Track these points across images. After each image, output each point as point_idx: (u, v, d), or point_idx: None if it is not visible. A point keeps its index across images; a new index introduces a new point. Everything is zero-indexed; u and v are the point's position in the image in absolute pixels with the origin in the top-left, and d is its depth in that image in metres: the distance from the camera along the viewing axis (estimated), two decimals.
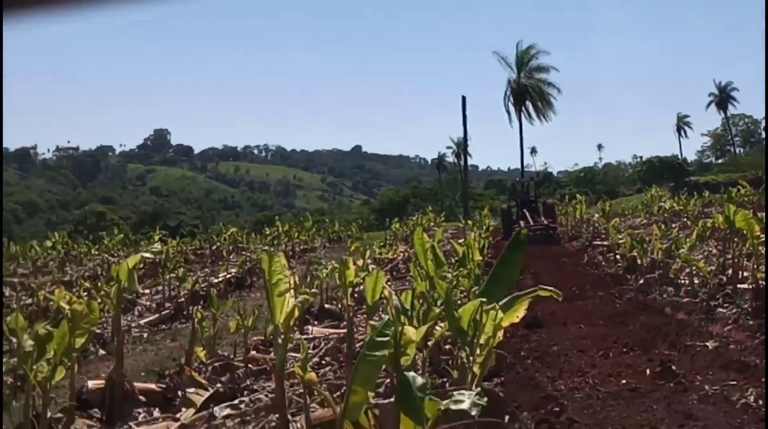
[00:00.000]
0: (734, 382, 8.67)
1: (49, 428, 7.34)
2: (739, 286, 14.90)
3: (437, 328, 7.24)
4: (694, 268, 16.85)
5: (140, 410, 8.97)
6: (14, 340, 7.13)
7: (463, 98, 71.33)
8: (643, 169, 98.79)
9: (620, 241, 26.63)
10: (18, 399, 6.83)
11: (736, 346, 11.00)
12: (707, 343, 11.15)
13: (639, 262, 21.75)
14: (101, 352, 13.97)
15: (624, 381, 9.19)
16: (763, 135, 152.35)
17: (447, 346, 8.76)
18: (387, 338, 5.16)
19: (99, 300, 11.53)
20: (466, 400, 5.13)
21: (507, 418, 6.64)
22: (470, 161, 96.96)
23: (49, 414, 7.47)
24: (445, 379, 7.09)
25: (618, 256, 24.82)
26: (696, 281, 16.53)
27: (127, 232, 52.69)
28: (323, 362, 10.87)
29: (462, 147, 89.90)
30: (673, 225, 28.63)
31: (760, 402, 7.73)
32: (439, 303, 6.75)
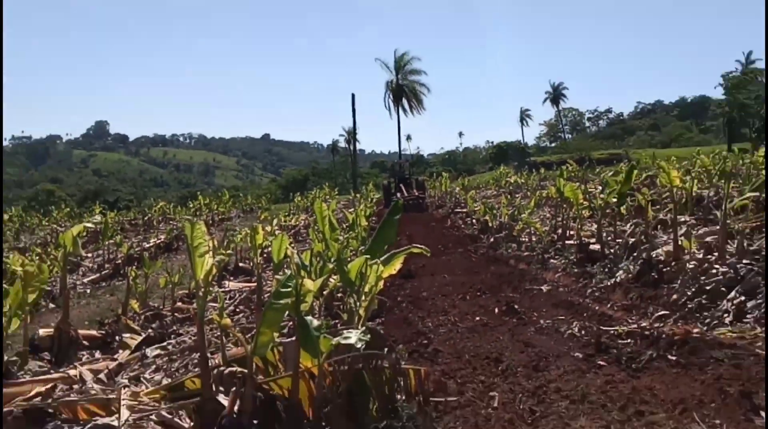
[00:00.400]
0: (562, 317, 8.85)
1: (6, 370, 7.12)
2: (566, 242, 15.22)
3: (331, 280, 7.22)
4: (532, 228, 17.15)
5: (84, 353, 8.81)
6: None
7: (353, 95, 71.71)
8: (494, 152, 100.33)
9: (476, 209, 27.01)
10: None
11: (564, 289, 11.23)
12: (542, 287, 11.36)
13: (490, 224, 22.08)
14: (51, 305, 13.63)
15: (478, 318, 9.30)
16: (587, 124, 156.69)
17: (339, 295, 8.74)
18: (289, 289, 5.12)
19: (48, 262, 11.21)
20: (353, 336, 5.13)
21: (386, 349, 6.66)
22: (358, 146, 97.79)
23: (5, 357, 7.28)
24: (337, 321, 7.06)
25: (474, 220, 25.17)
26: (533, 239, 16.84)
27: (73, 207, 51.45)
28: (237, 310, 10.78)
29: (352, 135, 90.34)
30: (517, 195, 29.10)
31: (583, 332, 7.90)
32: (332, 260, 6.75)
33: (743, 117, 62.20)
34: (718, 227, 11.03)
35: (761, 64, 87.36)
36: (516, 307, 9.68)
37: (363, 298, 6.24)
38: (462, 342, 8.00)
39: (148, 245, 24.44)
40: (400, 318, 9.70)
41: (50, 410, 5.56)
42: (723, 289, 8.61)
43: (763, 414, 5.08)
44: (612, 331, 7.71)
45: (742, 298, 8.21)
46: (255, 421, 5.08)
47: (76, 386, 6.91)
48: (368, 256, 6.29)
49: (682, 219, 13.54)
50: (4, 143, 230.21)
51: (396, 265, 6.39)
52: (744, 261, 9.07)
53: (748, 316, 7.81)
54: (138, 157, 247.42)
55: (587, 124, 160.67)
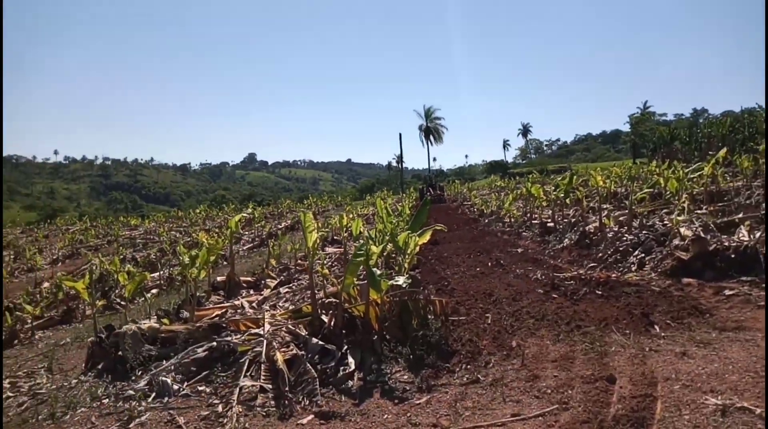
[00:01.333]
0: (530, 268, 8.72)
1: (198, 302, 7.27)
2: (533, 221, 15.00)
3: (388, 246, 7.20)
4: (511, 213, 16.96)
5: (243, 291, 8.95)
6: (181, 257, 7.07)
7: (400, 134, 72.74)
8: (488, 167, 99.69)
9: (476, 202, 26.81)
10: (183, 288, 6.75)
11: (531, 250, 11.06)
12: (518, 250, 11.20)
13: (485, 211, 21.88)
14: (224, 263, 13.85)
15: (478, 269, 9.21)
16: (545, 148, 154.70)
17: (393, 255, 8.72)
18: (362, 251, 5.14)
19: (222, 237, 11.46)
20: (401, 280, 5.13)
21: (421, 288, 6.64)
22: (404, 165, 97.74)
23: (197, 293, 7.43)
24: (391, 271, 7.06)
25: (475, 209, 24.94)
26: (512, 220, 16.64)
27: (236, 205, 52.17)
28: (332, 265, 10.83)
29: (400, 158, 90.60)
30: (501, 194, 28.75)
31: (543, 277, 7.76)
32: (388, 234, 6.75)
33: (642, 142, 60.70)
34: (626, 211, 10.78)
35: (654, 109, 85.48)
36: (502, 262, 9.57)
37: (406, 257, 6.24)
38: (468, 283, 7.94)
39: (280, 227, 24.69)
40: (430, 269, 9.66)
41: (223, 325, 5.67)
42: (630, 249, 8.41)
43: (657, 327, 4.96)
44: (561, 276, 7.57)
45: (642, 255, 8.01)
46: (343, 331, 5.12)
47: (239, 311, 7.05)
48: (410, 231, 6.29)
49: (605, 206, 13.26)
50: (196, 167, 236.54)
51: (426, 237, 6.37)
52: (643, 232, 8.84)
53: (646, 266, 7.62)
54: (274, 174, 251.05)
55: (545, 148, 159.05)
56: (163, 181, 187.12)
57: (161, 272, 12.64)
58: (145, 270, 11.44)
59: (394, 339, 5.08)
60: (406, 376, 4.43)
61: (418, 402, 3.91)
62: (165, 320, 6.33)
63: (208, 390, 4.40)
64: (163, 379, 4.50)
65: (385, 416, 3.74)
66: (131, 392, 4.43)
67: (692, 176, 13.19)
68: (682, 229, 8.21)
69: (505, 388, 3.95)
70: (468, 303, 6.57)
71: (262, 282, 9.41)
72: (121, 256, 15.90)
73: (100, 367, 5.20)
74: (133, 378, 4.80)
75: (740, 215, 9.31)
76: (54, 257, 22.15)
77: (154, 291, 11.33)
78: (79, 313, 10.15)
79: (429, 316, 5.43)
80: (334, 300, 5.74)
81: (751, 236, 7.29)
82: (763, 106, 28.63)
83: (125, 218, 42.36)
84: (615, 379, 3.81)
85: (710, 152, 24.70)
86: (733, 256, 6.55)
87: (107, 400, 4.40)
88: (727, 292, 5.76)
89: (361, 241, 6.63)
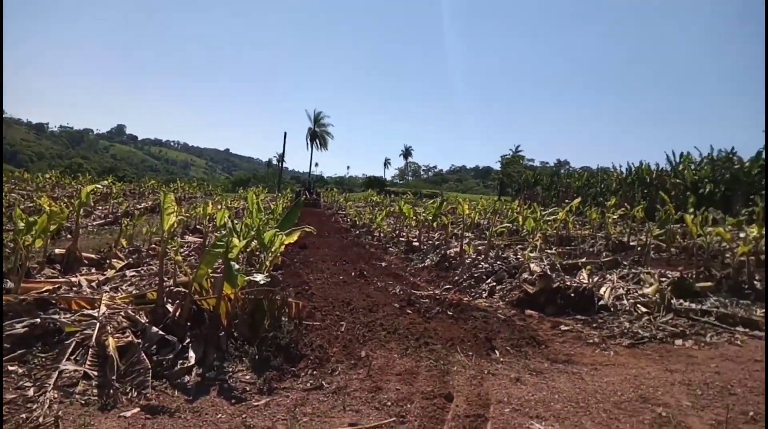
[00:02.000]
0: (391, 282, 8.87)
1: (27, 273, 6.53)
2: (400, 238, 15.40)
3: (253, 242, 6.97)
4: (381, 228, 17.26)
5: (84, 268, 8.18)
6: (16, 221, 6.35)
7: (285, 133, 69.90)
8: (367, 181, 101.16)
9: (350, 212, 27.02)
10: (13, 256, 6.04)
11: (395, 266, 11.30)
12: (382, 263, 11.38)
13: (357, 223, 22.10)
14: (68, 237, 12.62)
15: (341, 277, 9.21)
16: (422, 173, 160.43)
17: (256, 253, 8.45)
18: (223, 242, 4.91)
19: (70, 208, 10.45)
20: (259, 277, 4.96)
21: (280, 288, 6.50)
22: (285, 165, 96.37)
23: (29, 264, 6.69)
24: (251, 269, 6.83)
25: (349, 220, 25.11)
26: (382, 234, 16.94)
27: (93, 176, 48.20)
28: (190, 254, 10.27)
29: (281, 157, 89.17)
30: (375, 208, 29.24)
31: (402, 292, 7.92)
32: (254, 229, 6.52)
33: (509, 181, 64.99)
34: (486, 241, 11.39)
35: (525, 153, 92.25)
36: (365, 273, 9.65)
37: (269, 255, 6.07)
38: (329, 290, 7.90)
39: (139, 206, 23.11)
40: (293, 272, 9.50)
41: (53, 301, 5.13)
42: (484, 276, 8.87)
43: (497, 352, 5.23)
44: (418, 294, 7.78)
45: (494, 283, 8.47)
46: (189, 323, 4.84)
47: (74, 289, 6.43)
48: (278, 229, 6.14)
49: (467, 234, 13.94)
50: (54, 129, 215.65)
51: (294, 237, 6.24)
52: (498, 262, 9.38)
53: (496, 294, 8.06)
54: (142, 151, 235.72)
55: (422, 173, 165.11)
56: (12, 137, 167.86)
57: None
58: None
59: (242, 337, 4.88)
60: (248, 377, 4.26)
61: (256, 404, 3.77)
62: None
63: (20, 371, 3.93)
64: None
65: (219, 416, 3.56)
66: None
67: (548, 219, 14.29)
68: (532, 265, 8.82)
69: (347, 397, 3.93)
70: (325, 309, 6.52)
71: (108, 261, 8.67)
72: None
73: None
74: None
75: (583, 260, 10.22)
76: None
77: None
78: None
79: (283, 318, 5.30)
80: (183, 290, 5.41)
81: (590, 280, 8.01)
82: (618, 166, 31.89)
83: None
84: (452, 397, 3.94)
85: (566, 200, 26.99)
86: (572, 295, 7.13)
87: None
88: (563, 328, 6.25)
89: (224, 232, 6.36)
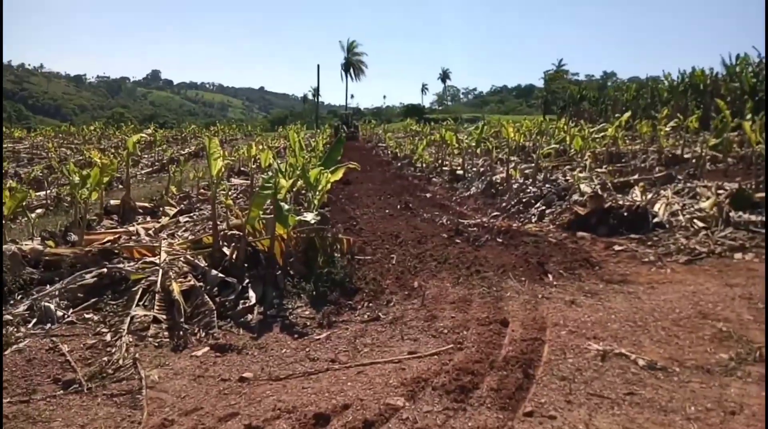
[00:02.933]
0: (437, 213, 8.92)
1: (88, 225, 6.86)
2: (443, 168, 15.31)
3: (298, 181, 7.07)
4: (423, 159, 17.18)
5: (139, 217, 8.53)
6: (70, 176, 6.61)
7: (318, 65, 69.87)
8: (404, 110, 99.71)
9: (390, 144, 26.90)
10: (72, 210, 6.32)
11: (440, 196, 11.32)
12: (427, 194, 11.42)
13: (398, 154, 22.04)
14: (119, 187, 13.07)
15: (387, 211, 9.32)
16: (462, 96, 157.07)
17: (303, 192, 8.59)
18: (270, 184, 5.02)
19: (118, 158, 10.78)
20: (309, 216, 5.07)
21: (329, 226, 6.63)
22: (320, 99, 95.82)
23: (87, 216, 7.01)
24: (300, 207, 6.97)
25: (389, 152, 25.05)
26: (424, 165, 16.88)
27: (136, 125, 49.12)
28: (238, 197, 10.54)
29: (316, 91, 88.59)
30: (415, 138, 28.98)
31: (449, 222, 7.99)
32: (299, 169, 6.60)
33: (553, 99, 62.96)
34: (533, 164, 11.22)
35: (569, 68, 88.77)
36: (410, 205, 9.72)
37: (317, 193, 6.17)
38: (377, 224, 8.02)
39: (183, 152, 23.62)
40: (339, 208, 9.65)
41: (116, 251, 5.40)
42: (533, 201, 8.80)
43: (550, 275, 5.27)
44: (466, 223, 7.82)
45: (544, 207, 8.41)
46: (246, 264, 5.03)
47: (133, 238, 6.72)
48: (322, 167, 6.20)
49: (513, 158, 13.72)
50: (92, 79, 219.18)
51: (338, 175, 6.31)
52: (546, 185, 9.26)
53: (545, 218, 8.02)
54: (179, 96, 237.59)
55: (461, 96, 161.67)
56: (53, 91, 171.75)
57: (48, 191, 11.75)
58: (30, 187, 10.56)
59: (298, 275, 5.06)
60: (308, 312, 4.44)
61: (317, 337, 3.95)
62: (50, 242, 5.92)
63: (96, 318, 4.21)
64: (46, 304, 4.24)
65: (284, 350, 3.75)
66: (9, 317, 4.14)
67: (596, 136, 13.89)
68: (582, 186, 8.68)
69: (404, 326, 4.06)
70: (375, 243, 6.65)
71: (161, 209, 8.99)
72: (3, 171, 14.60)
73: None
74: (12, 302, 4.47)
75: (635, 177, 9.97)
76: None
77: (39, 211, 10.53)
78: None
79: (335, 254, 5.44)
80: (237, 232, 5.59)
81: (643, 197, 7.84)
82: (668, 74, 30.36)
83: (8, 129, 38.80)
84: (508, 322, 4.02)
85: (615, 115, 26.01)
86: (625, 214, 7.02)
87: None
88: (617, 248, 6.19)
89: (270, 174, 6.46)
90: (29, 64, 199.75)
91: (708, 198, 7.61)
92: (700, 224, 6.65)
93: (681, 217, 6.97)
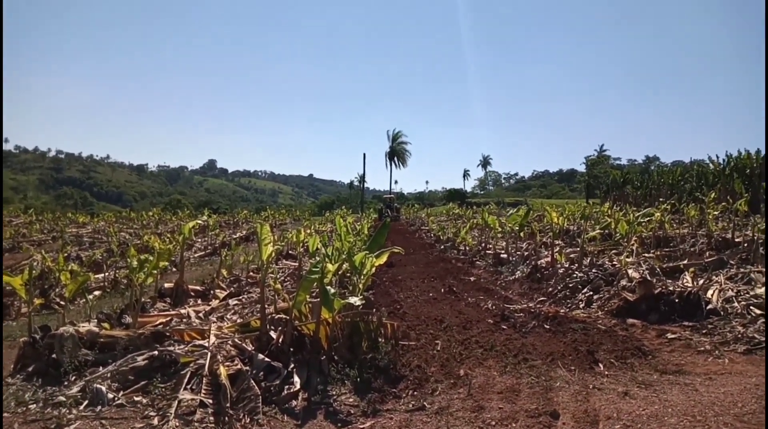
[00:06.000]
0: (482, 297, 8.78)
1: (142, 308, 7.02)
2: (487, 251, 15.18)
3: (344, 266, 7.12)
4: (466, 242, 17.12)
5: (191, 300, 8.68)
6: (129, 260, 6.85)
7: (364, 154, 71.92)
8: (447, 194, 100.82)
9: (433, 228, 27.01)
10: (128, 292, 6.52)
11: (484, 280, 11.16)
12: (471, 278, 11.28)
13: (441, 238, 22.05)
14: (173, 270, 13.44)
15: (431, 294, 9.22)
16: (503, 181, 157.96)
17: (348, 275, 8.62)
18: (318, 268, 5.08)
19: (174, 243, 11.14)
20: (355, 300, 5.06)
21: (374, 310, 6.59)
22: (366, 185, 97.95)
23: (142, 299, 7.18)
24: (345, 291, 6.98)
25: (432, 235, 25.11)
26: (467, 248, 16.79)
27: (192, 211, 51.03)
28: (285, 280, 10.66)
29: (362, 178, 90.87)
30: (458, 222, 29.04)
31: (494, 307, 7.82)
32: (345, 253, 6.68)
33: (596, 183, 62.65)
34: (578, 249, 11.02)
35: (610, 153, 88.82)
36: (454, 289, 9.61)
37: (362, 277, 6.18)
38: (420, 308, 7.93)
39: (235, 236, 24.21)
40: (383, 291, 9.62)
41: (167, 334, 5.48)
42: (579, 286, 8.58)
43: (601, 365, 5.04)
44: (512, 308, 7.64)
45: (591, 292, 8.18)
46: (291, 348, 5.01)
47: (184, 320, 6.83)
48: (367, 252, 6.26)
49: (557, 242, 13.54)
50: (153, 168, 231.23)
51: (383, 259, 6.34)
52: (593, 270, 9.04)
53: (593, 304, 7.78)
54: (233, 183, 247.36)
55: (503, 181, 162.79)
56: (117, 179, 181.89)
57: (106, 274, 12.18)
58: (90, 270, 10.97)
59: (342, 360, 5.00)
60: (351, 399, 4.35)
61: (362, 426, 3.84)
62: (105, 324, 6.08)
63: (144, 401, 4.22)
64: (98, 386, 4.29)
65: None
66: (62, 398, 4.20)
67: (642, 220, 13.62)
68: (629, 271, 8.43)
69: (450, 417, 3.92)
70: (419, 328, 6.55)
71: (211, 292, 9.16)
72: (66, 254, 15.27)
73: (30, 369, 4.91)
74: (66, 384, 4.55)
75: (685, 261, 9.64)
76: None
77: (96, 293, 10.89)
78: (14, 311, 9.64)
79: (380, 339, 5.37)
80: (284, 316, 5.61)
81: (695, 283, 7.54)
82: (712, 158, 29.96)
83: (74, 215, 40.90)
84: (558, 414, 3.83)
85: (660, 199, 25.59)
86: (676, 300, 6.75)
87: (35, 405, 4.15)
88: (669, 336, 5.92)
89: (317, 258, 6.55)
90: (97, 155, 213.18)
91: (764, 283, 7.26)
92: (758, 311, 6.31)
93: (736, 304, 6.64)
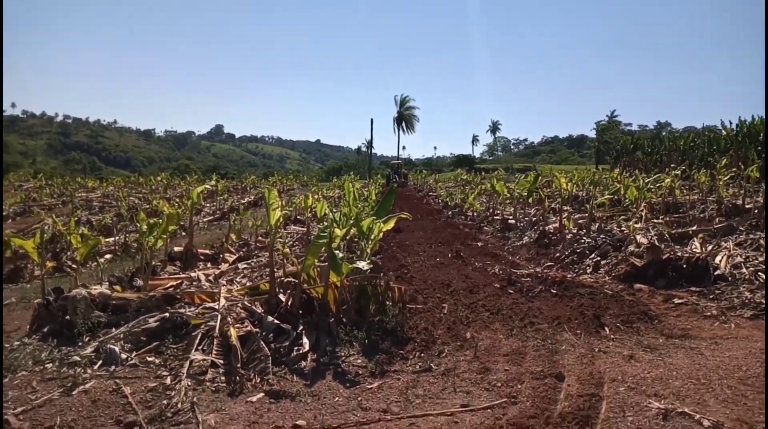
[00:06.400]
0: (489, 262, 8.82)
1: (153, 271, 7.11)
2: (494, 217, 15.16)
3: (352, 231, 7.15)
4: (474, 208, 17.10)
5: (200, 263, 8.78)
6: (138, 224, 6.90)
7: (371, 119, 71.60)
8: (455, 160, 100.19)
9: (441, 193, 26.98)
10: (138, 255, 6.58)
11: (491, 245, 11.18)
12: (478, 243, 11.30)
13: (449, 203, 22.03)
14: (183, 234, 13.54)
15: (438, 259, 9.26)
16: (512, 147, 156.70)
17: (356, 240, 8.66)
18: (326, 233, 5.10)
19: (182, 208, 11.23)
20: (362, 264, 5.09)
21: (381, 274, 6.63)
22: (373, 151, 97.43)
23: (152, 262, 7.27)
24: (353, 255, 7.02)
25: (440, 201, 25.09)
26: (475, 214, 16.78)
27: (200, 175, 51.12)
28: (294, 244, 10.74)
29: (369, 144, 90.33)
30: (466, 188, 28.96)
31: (501, 272, 7.86)
32: (353, 218, 6.70)
33: (606, 149, 62.07)
34: (586, 214, 10.99)
35: (621, 118, 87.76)
36: (461, 254, 9.64)
37: (369, 242, 6.21)
38: (427, 273, 7.98)
39: (243, 201, 24.29)
40: (391, 256, 9.67)
41: (178, 296, 5.55)
42: (587, 252, 8.59)
43: (607, 329, 5.08)
44: (518, 273, 7.68)
45: (598, 258, 8.19)
46: (300, 311, 5.08)
47: (194, 283, 6.92)
48: (375, 217, 6.27)
49: (565, 208, 13.50)
50: (160, 133, 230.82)
51: (391, 224, 6.35)
52: (601, 236, 9.03)
53: (601, 269, 7.79)
54: (240, 148, 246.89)
55: (512, 147, 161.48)
56: (125, 144, 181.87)
57: (117, 238, 12.30)
58: (100, 234, 11.08)
59: (350, 323, 5.06)
60: (360, 360, 4.42)
61: (369, 387, 3.91)
62: (117, 287, 6.17)
63: (157, 361, 4.31)
64: (111, 347, 4.38)
65: (336, 399, 3.73)
66: (77, 358, 4.29)
67: (651, 186, 13.53)
68: (638, 237, 8.42)
69: (456, 378, 3.98)
70: (426, 292, 6.60)
71: (221, 256, 9.25)
72: (76, 218, 15.42)
73: (45, 330, 5.02)
74: (80, 344, 4.65)
75: (694, 228, 9.60)
76: (4, 213, 21.33)
77: (107, 256, 11.02)
78: (27, 273, 9.79)
79: (387, 303, 5.43)
80: (293, 280, 5.67)
81: (703, 249, 7.53)
82: (724, 124, 29.50)
83: (83, 179, 41.06)
84: (564, 376, 3.88)
85: (671, 165, 25.35)
86: (684, 266, 6.75)
87: (51, 364, 4.25)
88: (676, 301, 5.94)
89: (325, 223, 6.58)
90: (104, 120, 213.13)
91: None
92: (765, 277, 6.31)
93: (744, 270, 6.64)
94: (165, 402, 3.59)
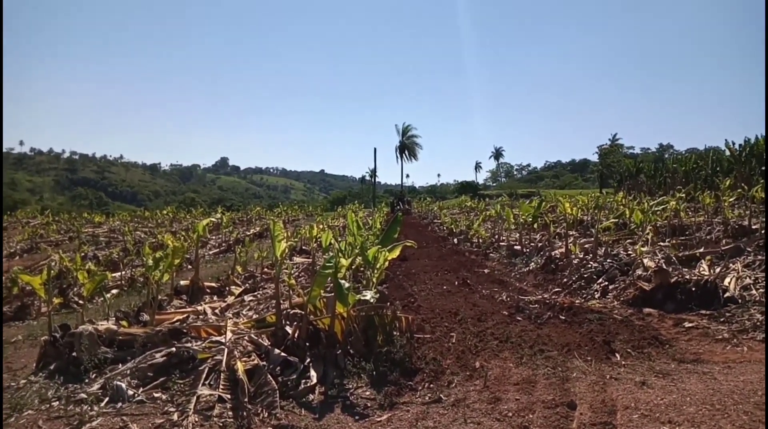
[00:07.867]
0: (496, 289, 8.76)
1: (159, 305, 7.09)
2: (500, 243, 15.13)
3: (357, 260, 7.14)
4: (479, 234, 17.06)
5: (206, 297, 8.77)
6: (144, 259, 6.92)
7: (375, 149, 71.54)
8: (459, 187, 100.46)
9: (446, 221, 26.94)
10: (145, 290, 6.58)
11: (498, 272, 11.13)
12: (484, 270, 11.25)
13: (454, 230, 22.00)
14: (189, 267, 13.53)
15: (445, 287, 9.21)
16: (515, 173, 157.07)
17: (361, 269, 8.64)
18: (331, 263, 5.09)
19: (188, 241, 11.25)
20: (368, 294, 5.08)
21: (388, 303, 6.60)
22: (377, 179, 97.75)
23: (159, 296, 7.25)
24: (359, 285, 7.00)
25: (444, 228, 25.05)
26: (480, 241, 16.74)
27: (205, 208, 51.34)
28: (299, 275, 10.71)
29: (373, 172, 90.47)
30: (471, 214, 28.94)
31: (508, 299, 7.80)
32: (358, 247, 6.69)
33: (609, 173, 62.16)
34: (592, 239, 10.95)
35: (623, 142, 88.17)
36: (468, 281, 9.59)
37: (375, 271, 6.21)
38: (435, 301, 7.93)
39: (248, 233, 24.29)
40: (397, 285, 9.63)
41: (184, 330, 5.53)
42: (594, 276, 8.53)
43: (617, 355, 5.01)
44: (526, 299, 7.62)
45: (606, 283, 8.13)
46: (307, 343, 5.04)
47: (201, 317, 6.89)
48: (380, 246, 6.27)
49: (571, 233, 13.46)
50: (166, 167, 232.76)
51: (396, 252, 6.35)
52: (608, 260, 8.98)
53: (609, 294, 7.73)
54: (245, 180, 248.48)
55: (515, 172, 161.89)
56: (131, 179, 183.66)
57: (123, 272, 12.31)
58: (107, 269, 11.13)
59: (358, 354, 5.02)
60: (368, 393, 4.37)
61: (379, 419, 3.85)
62: (124, 322, 6.15)
63: (164, 397, 4.27)
64: (118, 383, 4.35)
65: None
66: (83, 395, 4.26)
67: (656, 209, 13.50)
68: (645, 260, 8.37)
69: (466, 409, 3.92)
70: (433, 321, 6.55)
71: (227, 289, 9.24)
72: (83, 254, 15.46)
73: (52, 367, 5.00)
74: (87, 381, 4.62)
75: (701, 250, 9.54)
76: (11, 250, 21.42)
77: (114, 291, 11.00)
78: (34, 310, 9.79)
79: (394, 333, 5.39)
80: (299, 311, 5.64)
81: (711, 271, 7.46)
82: (726, 146, 29.55)
83: (89, 215, 41.32)
84: (575, 405, 3.82)
85: (678, 187, 25.33)
86: (693, 289, 6.69)
87: (57, 402, 4.22)
88: (687, 325, 5.87)
89: (331, 253, 6.57)
90: (110, 155, 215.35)
91: None
92: None
93: (754, 291, 6.57)
94: None
